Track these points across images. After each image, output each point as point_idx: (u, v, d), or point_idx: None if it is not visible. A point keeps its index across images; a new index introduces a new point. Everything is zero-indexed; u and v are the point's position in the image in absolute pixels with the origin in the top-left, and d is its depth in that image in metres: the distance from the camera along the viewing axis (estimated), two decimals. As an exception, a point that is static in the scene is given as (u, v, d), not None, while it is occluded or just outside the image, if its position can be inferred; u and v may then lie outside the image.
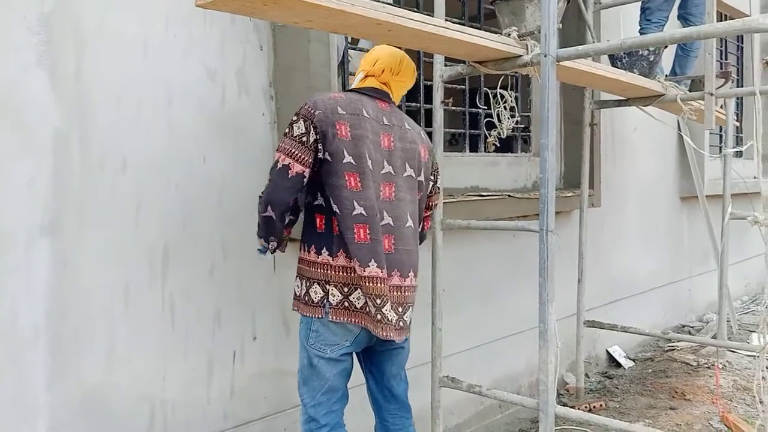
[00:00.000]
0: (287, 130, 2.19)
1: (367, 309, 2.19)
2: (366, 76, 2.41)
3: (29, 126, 2.17)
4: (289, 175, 2.13)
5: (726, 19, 6.83)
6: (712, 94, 3.29)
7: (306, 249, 2.28)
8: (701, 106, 3.60)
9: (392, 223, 2.27)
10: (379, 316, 2.19)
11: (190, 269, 2.61)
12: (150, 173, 2.47)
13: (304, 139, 2.15)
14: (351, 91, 2.39)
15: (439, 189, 2.69)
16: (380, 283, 2.17)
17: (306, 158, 2.15)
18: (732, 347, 4.71)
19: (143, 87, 2.45)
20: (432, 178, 2.57)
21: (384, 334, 2.21)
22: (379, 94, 2.36)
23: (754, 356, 4.56)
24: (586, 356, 4.72)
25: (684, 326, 6.17)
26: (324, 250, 2.21)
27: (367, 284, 2.16)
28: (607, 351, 5.16)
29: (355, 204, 2.16)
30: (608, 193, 4.91)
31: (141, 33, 2.46)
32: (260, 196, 2.21)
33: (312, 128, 2.15)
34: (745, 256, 6.91)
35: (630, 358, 5.23)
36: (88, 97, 2.30)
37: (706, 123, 3.35)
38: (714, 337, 5.17)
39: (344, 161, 2.16)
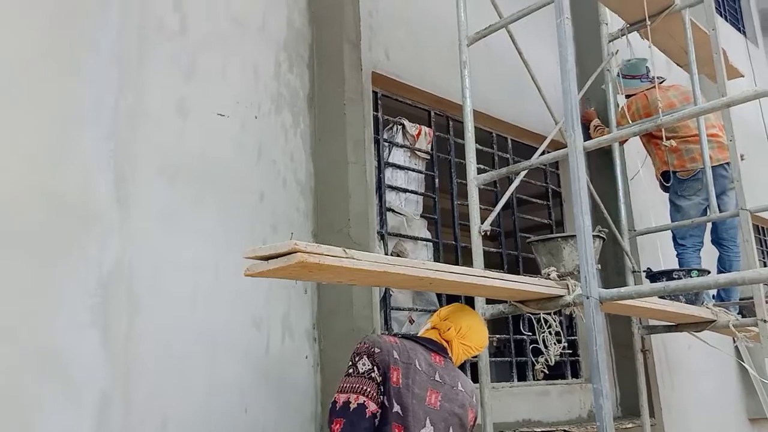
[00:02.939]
0: (350, 370, 2.06)
1: None
2: (432, 328, 2.33)
3: (77, 387, 2.20)
4: (366, 415, 1.96)
5: (764, 233, 6.88)
6: (765, 321, 3.19)
7: None
8: (756, 330, 3.48)
9: None
10: None
11: None
12: (190, 430, 2.42)
13: (373, 375, 2.02)
14: (405, 337, 2.26)
15: None
16: None
17: (377, 396, 2.00)
18: None
19: (189, 341, 2.51)
20: None
21: None
22: (435, 347, 2.24)
23: None
24: None
25: None
26: None
27: None
28: None
29: None
30: (670, 419, 4.59)
31: (191, 288, 2.57)
32: None
33: (375, 366, 2.04)
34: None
35: None
36: (135, 356, 2.35)
37: (764, 351, 3.20)
38: None
39: (393, 410, 2.03)
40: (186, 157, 2.68)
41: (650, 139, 4.34)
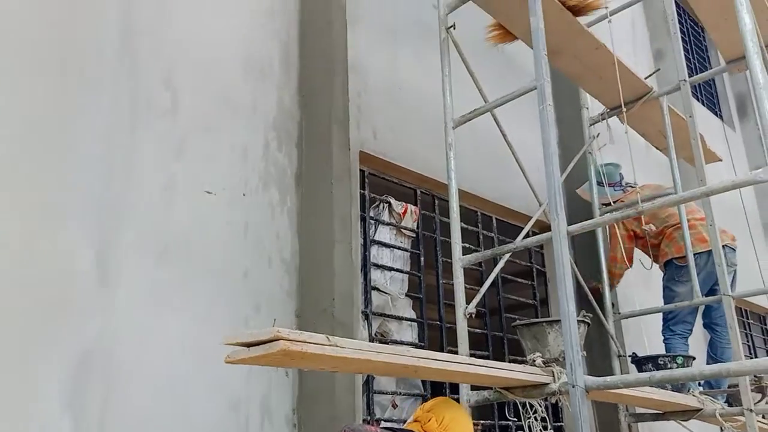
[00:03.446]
0: None
1: None
2: (414, 420, 2.33)
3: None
4: None
5: (748, 316, 6.90)
6: (751, 411, 3.15)
7: None
8: (743, 419, 3.43)
9: None
10: None
11: None
12: None
13: None
14: (386, 428, 2.26)
15: None
16: None
17: None
18: None
19: (166, 426, 2.42)
20: None
21: None
22: None
23: None
24: None
25: None
26: None
27: None
28: None
29: None
30: None
31: (170, 369, 2.50)
32: None
33: None
34: None
35: None
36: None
37: (754, 441, 3.14)
38: None
39: None
40: (172, 235, 2.66)
41: (646, 242, 4.39)
